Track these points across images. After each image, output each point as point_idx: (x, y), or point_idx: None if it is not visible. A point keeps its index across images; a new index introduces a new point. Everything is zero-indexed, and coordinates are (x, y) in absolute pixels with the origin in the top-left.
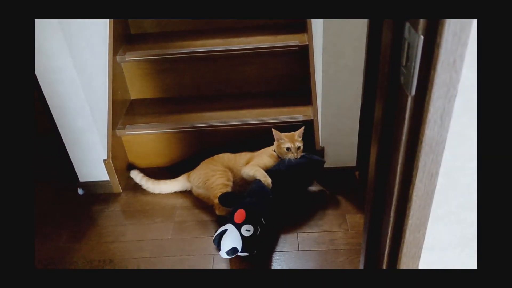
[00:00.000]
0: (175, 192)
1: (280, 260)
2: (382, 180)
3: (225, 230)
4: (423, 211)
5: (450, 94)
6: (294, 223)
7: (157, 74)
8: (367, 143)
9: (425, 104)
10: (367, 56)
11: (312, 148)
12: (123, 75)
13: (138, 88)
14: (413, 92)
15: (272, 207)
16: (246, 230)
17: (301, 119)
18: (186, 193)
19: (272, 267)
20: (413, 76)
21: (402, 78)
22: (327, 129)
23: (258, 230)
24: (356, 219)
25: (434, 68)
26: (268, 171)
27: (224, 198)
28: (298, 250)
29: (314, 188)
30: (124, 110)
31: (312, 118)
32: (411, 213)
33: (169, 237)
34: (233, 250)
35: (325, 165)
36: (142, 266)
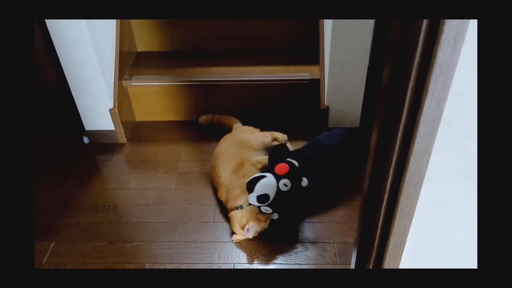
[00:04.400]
0: (179, 145)
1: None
2: (391, 106)
3: (264, 176)
4: (428, 138)
5: None
6: None
7: (164, 26)
8: (372, 104)
9: (440, 25)
10: None
11: (316, 108)
12: (131, 26)
13: (145, 41)
14: None
15: (320, 176)
16: (284, 184)
17: (308, 78)
18: (189, 146)
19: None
20: None
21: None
22: (333, 88)
23: (293, 190)
24: (357, 178)
25: None
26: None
27: (276, 150)
28: None
29: None
30: (130, 62)
31: (318, 77)
32: (416, 140)
33: (173, 187)
34: (265, 197)
35: (328, 125)
36: (146, 212)
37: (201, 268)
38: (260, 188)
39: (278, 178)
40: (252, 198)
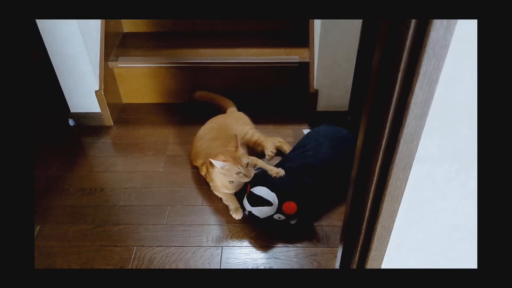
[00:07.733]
0: (167, 127)
1: None
2: (382, 87)
3: (269, 204)
4: (419, 120)
5: None
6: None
7: None
8: (361, 88)
9: None
10: None
11: (305, 91)
12: None
13: (132, 21)
14: None
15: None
16: (279, 217)
17: (297, 61)
18: (178, 129)
19: None
20: None
21: None
22: (322, 71)
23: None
24: None
25: None
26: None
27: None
28: None
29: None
30: (116, 42)
31: (308, 60)
32: (407, 122)
33: (161, 170)
34: (254, 215)
35: (317, 109)
36: (133, 196)
37: (189, 251)
38: (258, 211)
39: (279, 211)
40: (247, 205)
